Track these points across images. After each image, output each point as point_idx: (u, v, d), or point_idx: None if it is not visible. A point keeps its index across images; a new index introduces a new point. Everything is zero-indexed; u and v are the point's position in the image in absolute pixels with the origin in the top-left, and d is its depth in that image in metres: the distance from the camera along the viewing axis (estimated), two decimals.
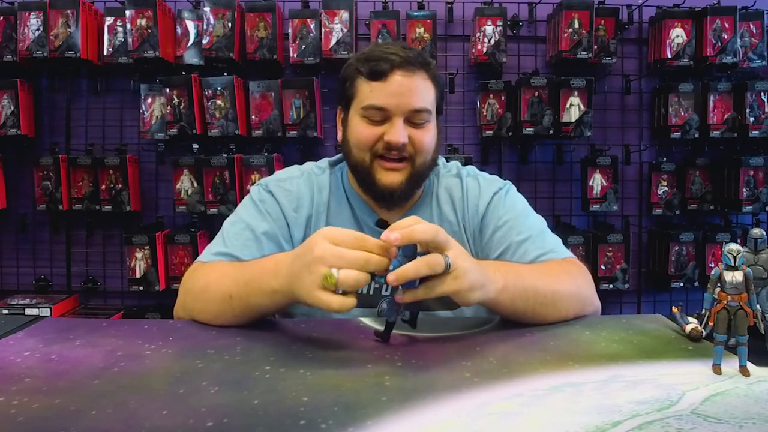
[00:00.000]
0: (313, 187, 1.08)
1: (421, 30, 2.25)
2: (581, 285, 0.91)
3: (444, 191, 1.10)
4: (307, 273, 0.69)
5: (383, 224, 1.05)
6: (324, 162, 1.14)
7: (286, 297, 0.76)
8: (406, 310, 0.73)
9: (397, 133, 0.96)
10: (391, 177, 0.99)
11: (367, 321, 0.85)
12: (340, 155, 1.11)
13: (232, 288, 0.82)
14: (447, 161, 1.17)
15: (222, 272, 0.89)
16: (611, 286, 2.28)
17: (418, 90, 0.98)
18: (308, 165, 1.14)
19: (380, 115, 0.98)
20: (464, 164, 1.17)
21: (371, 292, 0.99)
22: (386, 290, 0.98)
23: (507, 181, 1.13)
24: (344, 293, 0.68)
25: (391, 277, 0.66)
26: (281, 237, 1.02)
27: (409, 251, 0.68)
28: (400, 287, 0.68)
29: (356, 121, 1.00)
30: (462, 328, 0.83)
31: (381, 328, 0.77)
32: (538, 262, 0.97)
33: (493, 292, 0.76)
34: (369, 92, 0.98)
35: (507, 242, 1.01)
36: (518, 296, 0.80)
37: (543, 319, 0.84)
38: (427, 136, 1.00)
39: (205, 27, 2.19)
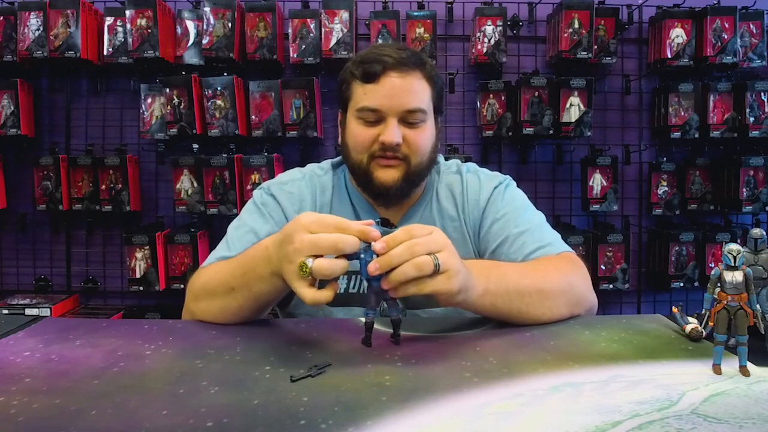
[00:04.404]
0: (315, 188, 1.09)
1: (421, 30, 2.25)
2: (573, 282, 0.90)
3: (444, 188, 1.10)
4: (288, 263, 0.70)
5: (386, 223, 1.06)
6: (326, 163, 1.15)
7: (283, 280, 0.75)
8: (392, 315, 0.73)
9: (391, 133, 0.97)
10: (387, 174, 1.00)
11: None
12: (341, 157, 1.11)
13: (232, 281, 0.83)
14: (446, 161, 1.17)
15: (217, 270, 0.90)
16: (611, 286, 2.28)
17: (411, 90, 0.98)
18: (310, 167, 1.15)
19: (375, 117, 0.98)
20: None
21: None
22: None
23: (507, 176, 1.14)
24: (322, 285, 0.68)
25: (372, 267, 0.66)
26: None
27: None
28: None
29: (353, 124, 1.01)
30: (462, 327, 0.83)
31: (379, 329, 0.77)
32: (534, 255, 0.97)
33: (473, 297, 0.76)
34: (363, 94, 0.99)
35: (504, 234, 1.02)
36: (500, 299, 0.80)
37: (532, 319, 0.83)
38: (422, 136, 1.00)
39: (205, 27, 2.19)
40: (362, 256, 0.67)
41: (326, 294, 0.68)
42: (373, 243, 0.67)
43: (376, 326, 0.80)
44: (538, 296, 0.83)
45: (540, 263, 0.94)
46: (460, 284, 0.71)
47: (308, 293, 0.67)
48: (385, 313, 0.85)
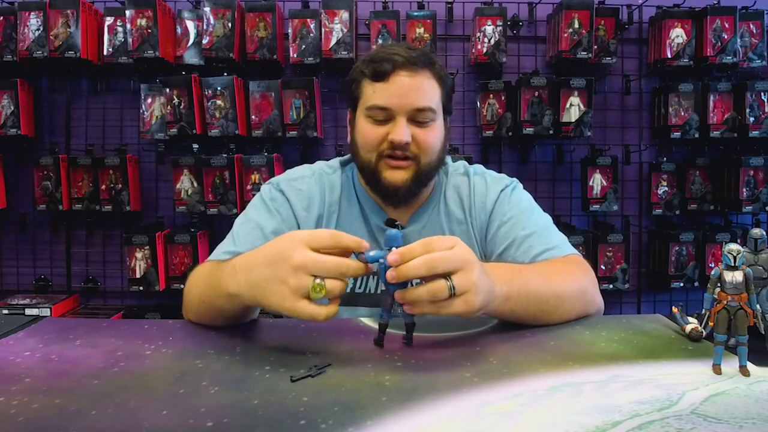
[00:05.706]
0: (324, 186, 1.08)
1: (421, 30, 2.25)
2: (584, 285, 0.91)
3: (452, 190, 1.10)
4: (284, 281, 0.65)
5: (392, 223, 1.06)
6: (335, 161, 1.14)
7: (245, 302, 0.72)
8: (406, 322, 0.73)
9: (400, 132, 0.97)
10: (396, 175, 0.99)
11: (367, 321, 0.85)
12: (350, 155, 1.11)
13: (203, 291, 0.82)
14: (453, 162, 1.17)
15: (202, 274, 0.89)
16: (611, 286, 2.28)
17: (421, 89, 0.98)
18: (319, 164, 1.14)
19: (384, 115, 0.98)
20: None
21: (378, 291, 0.99)
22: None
23: (514, 179, 1.13)
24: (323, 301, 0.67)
25: (390, 275, 0.65)
26: None
27: (395, 244, 0.67)
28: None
29: (362, 122, 1.01)
30: (462, 328, 0.83)
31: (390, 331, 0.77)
32: (540, 258, 0.97)
33: (495, 305, 0.76)
34: (372, 93, 0.99)
35: (511, 237, 1.02)
36: (519, 305, 0.80)
37: (545, 322, 0.83)
38: (432, 136, 1.00)
39: (205, 27, 2.19)
40: (381, 260, 0.66)
41: (335, 308, 0.67)
42: (388, 254, 0.66)
43: (373, 324, 0.80)
44: (554, 302, 0.84)
45: (554, 266, 0.93)
46: (481, 303, 0.70)
47: (321, 310, 0.65)
48: (396, 314, 0.85)
